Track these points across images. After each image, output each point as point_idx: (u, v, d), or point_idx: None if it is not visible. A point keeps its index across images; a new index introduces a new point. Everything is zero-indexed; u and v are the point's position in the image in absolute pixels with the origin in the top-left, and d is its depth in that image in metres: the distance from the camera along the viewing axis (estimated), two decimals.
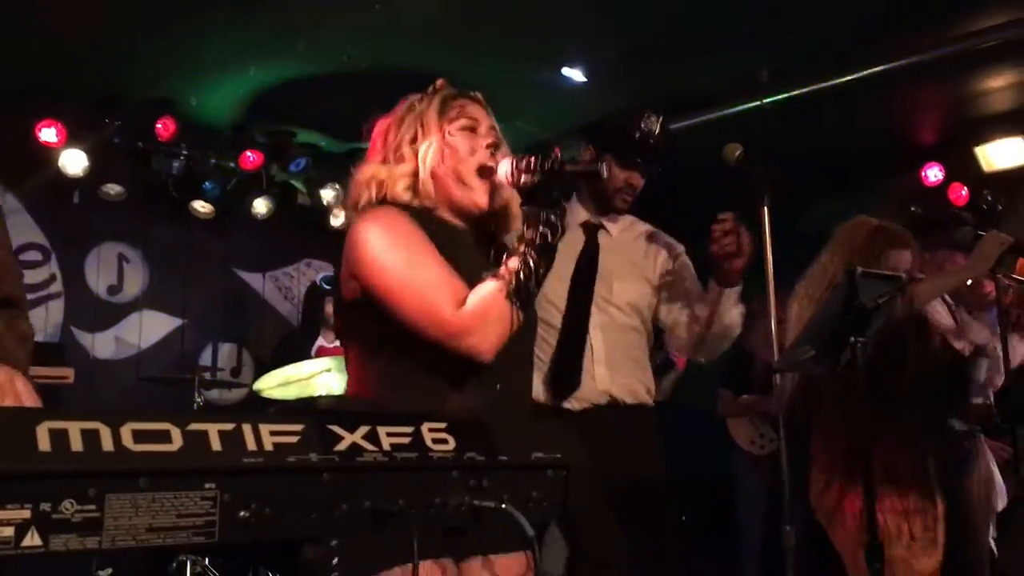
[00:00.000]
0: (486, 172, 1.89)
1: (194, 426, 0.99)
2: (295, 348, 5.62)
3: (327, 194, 6.11)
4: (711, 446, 5.46)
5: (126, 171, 5.50)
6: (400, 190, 1.89)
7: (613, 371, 2.90)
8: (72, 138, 5.18)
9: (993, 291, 3.91)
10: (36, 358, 4.35)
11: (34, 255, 5.47)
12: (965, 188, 5.87)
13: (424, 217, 1.88)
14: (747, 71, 4.89)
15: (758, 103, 4.95)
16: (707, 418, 5.43)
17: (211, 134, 5.72)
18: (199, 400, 4.84)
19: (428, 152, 1.89)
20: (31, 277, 5.43)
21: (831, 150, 5.76)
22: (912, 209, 6.01)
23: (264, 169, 5.84)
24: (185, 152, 5.61)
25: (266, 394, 4.97)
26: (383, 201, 1.90)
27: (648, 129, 2.97)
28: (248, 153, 5.72)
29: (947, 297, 3.91)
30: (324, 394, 4.47)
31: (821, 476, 2.94)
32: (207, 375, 4.96)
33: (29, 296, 5.26)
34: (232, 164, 5.76)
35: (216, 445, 0.99)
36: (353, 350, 1.90)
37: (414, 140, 1.91)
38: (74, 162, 5.19)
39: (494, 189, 1.92)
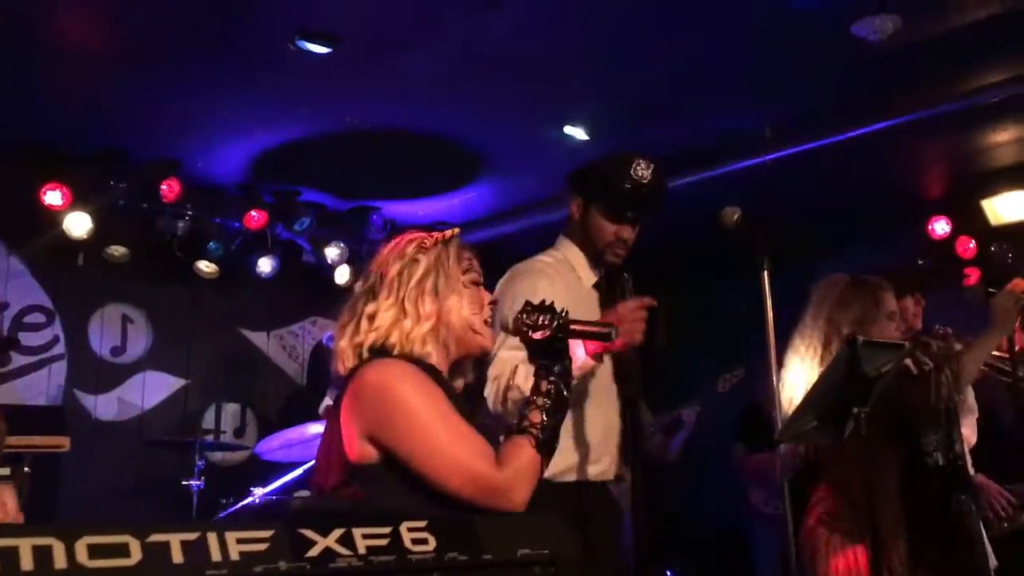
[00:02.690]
0: (490, 324, 2.02)
1: (155, 537, 0.95)
2: (302, 408, 5.59)
3: (332, 252, 6.11)
4: (727, 501, 5.38)
5: (131, 232, 5.50)
6: (422, 343, 1.90)
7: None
8: (77, 200, 5.20)
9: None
10: (34, 425, 4.35)
11: (37, 317, 5.45)
12: (972, 241, 5.83)
13: (433, 373, 1.90)
14: (751, 127, 4.89)
15: (761, 159, 4.94)
16: (723, 473, 5.35)
17: (216, 194, 5.73)
18: (200, 463, 4.80)
19: (457, 306, 1.94)
20: (34, 340, 5.41)
21: (836, 204, 5.74)
22: (920, 262, 5.98)
23: (268, 228, 5.85)
24: (190, 212, 5.63)
25: (268, 456, 4.93)
26: (388, 352, 1.89)
27: (639, 177, 2.75)
28: (252, 212, 5.72)
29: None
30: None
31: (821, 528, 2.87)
32: (209, 438, 4.92)
33: (31, 359, 5.33)
34: (236, 224, 5.77)
35: (178, 557, 0.94)
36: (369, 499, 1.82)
37: (435, 292, 1.93)
38: (79, 225, 5.20)
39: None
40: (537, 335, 1.90)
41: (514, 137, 5.07)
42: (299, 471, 4.80)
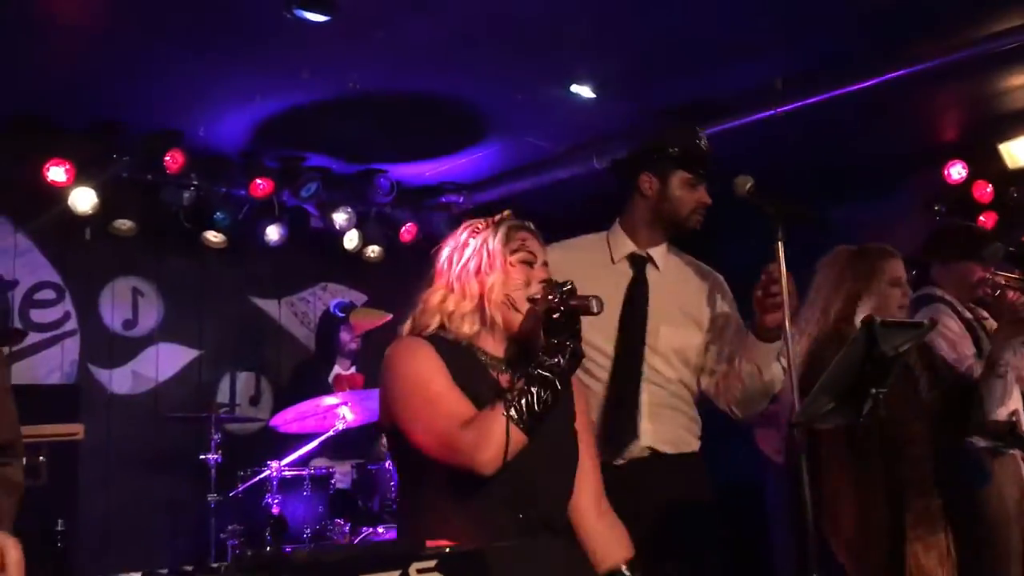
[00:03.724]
0: (536, 303, 2.01)
1: None
2: (312, 377, 5.59)
3: (339, 217, 6.06)
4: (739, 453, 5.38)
5: (136, 205, 5.44)
6: (463, 320, 2.03)
7: (657, 425, 2.72)
8: (81, 175, 5.14)
9: (1019, 299, 3.83)
10: (48, 407, 4.36)
11: (48, 293, 5.44)
12: (989, 185, 5.73)
13: (448, 345, 2.01)
14: (761, 79, 4.77)
15: (772, 112, 4.83)
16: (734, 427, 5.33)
17: (220, 163, 5.66)
18: (216, 437, 4.82)
19: (493, 284, 2.02)
20: (45, 316, 5.41)
21: (849, 152, 5.64)
22: (936, 208, 5.89)
23: (275, 195, 5.78)
24: (195, 183, 5.57)
25: (283, 429, 4.95)
26: (426, 329, 2.06)
27: (702, 142, 2.87)
28: (258, 180, 5.66)
29: (966, 312, 3.83)
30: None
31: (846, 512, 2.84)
32: (223, 412, 4.93)
33: (44, 335, 5.33)
34: (243, 192, 5.71)
35: None
36: (399, 474, 2.12)
37: (479, 271, 2.04)
38: (83, 200, 5.14)
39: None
40: (545, 310, 1.96)
41: (520, 96, 4.97)
42: (315, 443, 4.81)
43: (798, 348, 2.84)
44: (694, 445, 2.82)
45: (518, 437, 1.87)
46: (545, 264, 2.10)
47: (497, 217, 2.13)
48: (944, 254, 4.00)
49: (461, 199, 6.28)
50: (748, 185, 2.65)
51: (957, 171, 5.78)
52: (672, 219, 2.84)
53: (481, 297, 2.02)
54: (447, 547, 1.16)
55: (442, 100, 5.01)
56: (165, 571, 1.30)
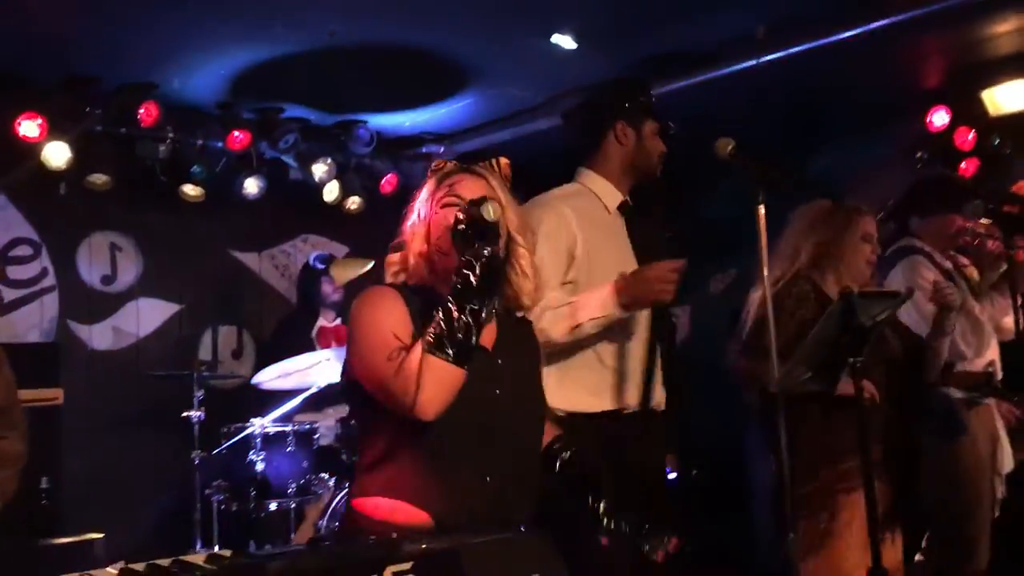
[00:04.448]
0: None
1: None
2: (295, 331, 5.57)
3: (319, 168, 5.99)
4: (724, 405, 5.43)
5: (111, 159, 5.35)
6: (394, 275, 2.03)
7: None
8: (54, 130, 5.04)
9: (998, 248, 3.87)
10: (28, 366, 4.32)
11: (24, 250, 5.38)
12: (972, 132, 5.71)
13: (413, 293, 1.97)
14: (742, 29, 4.71)
15: (754, 61, 4.78)
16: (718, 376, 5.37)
17: (196, 115, 5.57)
18: (199, 394, 4.82)
19: (414, 236, 2.01)
20: (22, 272, 5.36)
21: (831, 100, 5.59)
22: (918, 155, 5.88)
23: (253, 147, 5.70)
24: (171, 136, 5.48)
25: (266, 386, 4.95)
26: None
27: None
28: (235, 133, 5.57)
29: (946, 263, 3.85)
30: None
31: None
32: (204, 369, 4.92)
33: (22, 292, 5.28)
34: (220, 144, 5.63)
35: None
36: (358, 424, 2.12)
37: (412, 224, 2.03)
38: (57, 154, 5.05)
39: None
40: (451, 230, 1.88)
41: (500, 47, 4.89)
42: (298, 399, 4.82)
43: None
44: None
45: (450, 372, 1.79)
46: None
47: (435, 167, 2.10)
48: (924, 206, 4.01)
49: (442, 149, 6.21)
50: (729, 147, 2.66)
51: (940, 118, 5.75)
52: (644, 168, 2.93)
53: (421, 249, 2.00)
54: (422, 546, 1.17)
55: (422, 50, 4.92)
56: (142, 567, 1.30)
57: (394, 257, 2.04)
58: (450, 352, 1.78)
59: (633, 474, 2.52)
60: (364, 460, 1.96)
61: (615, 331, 2.70)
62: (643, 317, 2.79)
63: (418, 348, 1.81)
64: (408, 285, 2.01)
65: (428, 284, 1.99)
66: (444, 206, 1.98)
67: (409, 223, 2.04)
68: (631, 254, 2.85)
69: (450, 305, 1.80)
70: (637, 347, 2.78)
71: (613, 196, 2.90)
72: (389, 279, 2.04)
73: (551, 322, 2.55)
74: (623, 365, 2.74)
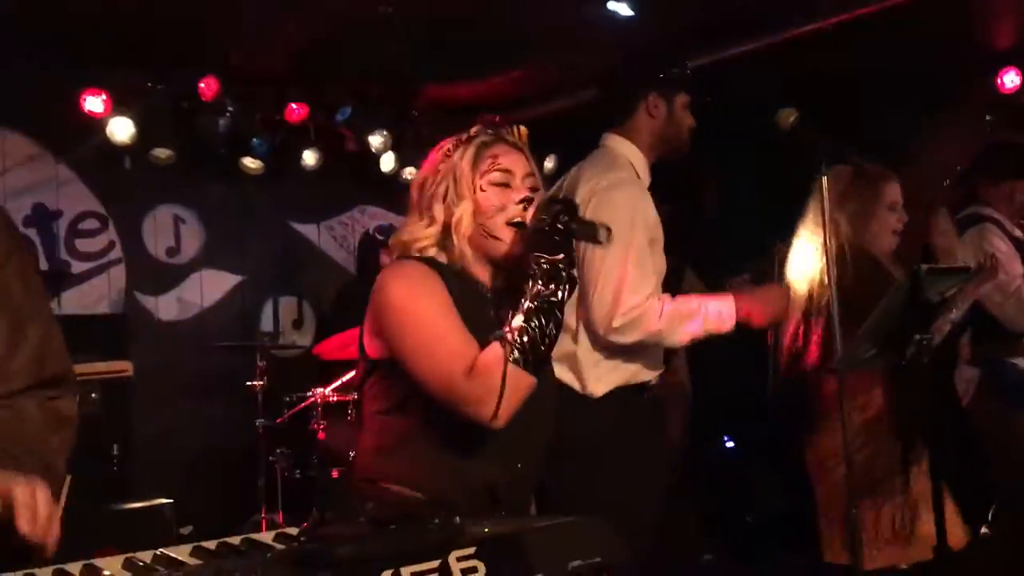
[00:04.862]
0: (518, 226, 1.84)
1: None
2: (353, 302, 5.58)
3: (375, 140, 6.02)
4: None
5: (173, 133, 5.45)
6: (429, 249, 1.88)
7: None
8: (118, 105, 5.16)
9: None
10: (97, 338, 4.43)
11: (92, 223, 5.52)
12: None
13: (451, 272, 1.85)
14: None
15: (815, 25, 4.67)
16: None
17: (254, 89, 5.63)
18: (262, 364, 4.92)
19: (461, 216, 1.85)
20: (90, 246, 5.50)
21: (898, 63, 5.44)
22: (987, 118, 5.71)
23: (311, 120, 5.76)
24: (231, 109, 5.55)
25: (327, 357, 5.01)
26: (408, 255, 1.89)
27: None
28: (293, 105, 5.63)
29: (1016, 231, 3.75)
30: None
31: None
32: (266, 339, 5.01)
33: (90, 264, 5.41)
34: (278, 117, 5.69)
35: None
36: (375, 406, 1.89)
37: (445, 196, 1.88)
38: (121, 130, 5.18)
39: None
40: (537, 231, 1.77)
41: (557, 15, 4.84)
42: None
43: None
44: None
45: (526, 381, 1.71)
46: (531, 176, 1.90)
47: (467, 135, 1.93)
48: (994, 172, 3.90)
49: (497, 120, 6.18)
50: (792, 118, 2.61)
51: (1011, 79, 5.57)
52: (674, 142, 2.83)
53: (447, 227, 1.86)
54: (484, 530, 1.18)
55: (477, 19, 4.89)
56: (213, 545, 1.33)
57: (428, 230, 1.88)
58: (532, 362, 1.71)
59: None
60: (377, 442, 1.87)
61: None
62: None
63: (493, 352, 1.71)
64: (438, 261, 1.87)
65: (458, 263, 1.87)
66: (495, 183, 1.86)
67: (443, 191, 1.87)
68: (660, 227, 2.74)
69: (536, 314, 1.70)
70: None
71: (645, 170, 2.81)
72: (416, 252, 1.88)
73: (670, 326, 2.48)
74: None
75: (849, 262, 2.80)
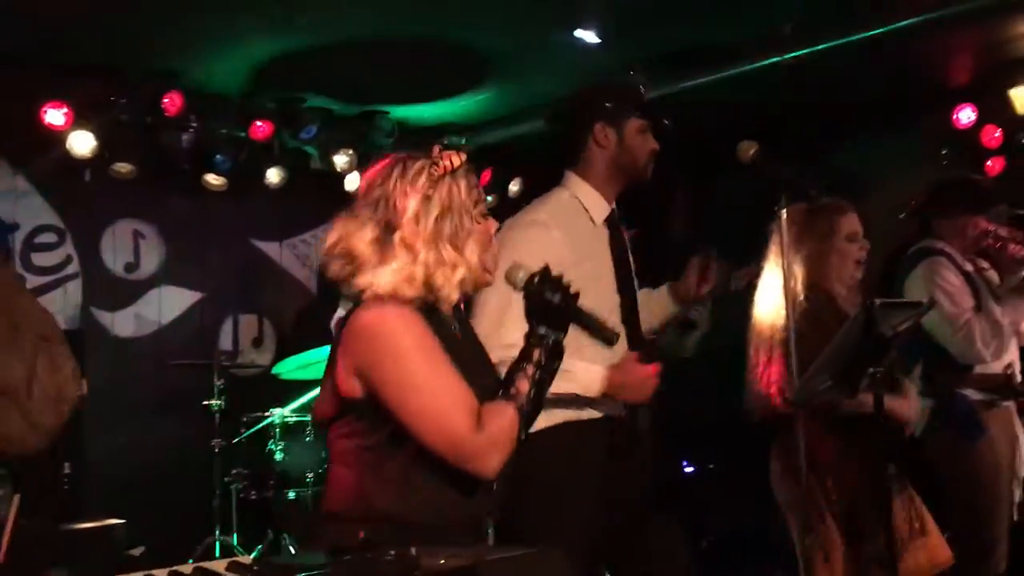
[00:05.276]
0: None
1: None
2: (315, 321, 5.60)
3: (340, 159, 6.00)
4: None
5: (136, 148, 5.38)
6: (454, 291, 1.87)
7: None
8: (79, 118, 5.09)
9: (1020, 252, 3.83)
10: None
11: (49, 237, 5.42)
12: (999, 130, 5.66)
13: (426, 310, 1.84)
14: (769, 25, 4.68)
15: (778, 59, 4.75)
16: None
17: (219, 105, 5.59)
18: (220, 383, 4.86)
19: (473, 251, 1.88)
20: (47, 260, 5.41)
21: (856, 96, 5.55)
22: (943, 152, 5.83)
23: (275, 137, 5.73)
24: (194, 125, 5.50)
25: (285, 376, 4.98)
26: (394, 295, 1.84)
27: (646, 88, 2.93)
28: (258, 123, 5.60)
29: (967, 265, 3.82)
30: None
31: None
32: (224, 358, 4.96)
33: (47, 279, 5.33)
34: (242, 134, 5.66)
35: None
36: (357, 442, 1.86)
37: (456, 235, 1.85)
38: (82, 143, 5.11)
39: None
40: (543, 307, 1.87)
41: (524, 39, 4.89)
42: (317, 389, 4.84)
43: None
44: None
45: (517, 431, 1.80)
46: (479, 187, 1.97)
47: (456, 162, 1.88)
48: (947, 207, 3.97)
49: (463, 141, 6.21)
50: (752, 150, 2.63)
51: (966, 115, 5.70)
52: (630, 170, 2.74)
53: (457, 266, 1.84)
54: (440, 562, 1.17)
55: (444, 41, 4.92)
56: (164, 573, 1.32)
57: (413, 271, 1.81)
58: (528, 425, 1.83)
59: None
60: (363, 477, 1.83)
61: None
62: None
63: (503, 410, 1.78)
64: (411, 299, 1.82)
65: (428, 299, 1.84)
66: (484, 215, 1.91)
67: (432, 231, 1.81)
68: (610, 270, 2.71)
69: (540, 384, 1.83)
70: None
71: (599, 206, 2.74)
72: (402, 295, 1.82)
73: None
74: None
75: (803, 302, 2.84)
